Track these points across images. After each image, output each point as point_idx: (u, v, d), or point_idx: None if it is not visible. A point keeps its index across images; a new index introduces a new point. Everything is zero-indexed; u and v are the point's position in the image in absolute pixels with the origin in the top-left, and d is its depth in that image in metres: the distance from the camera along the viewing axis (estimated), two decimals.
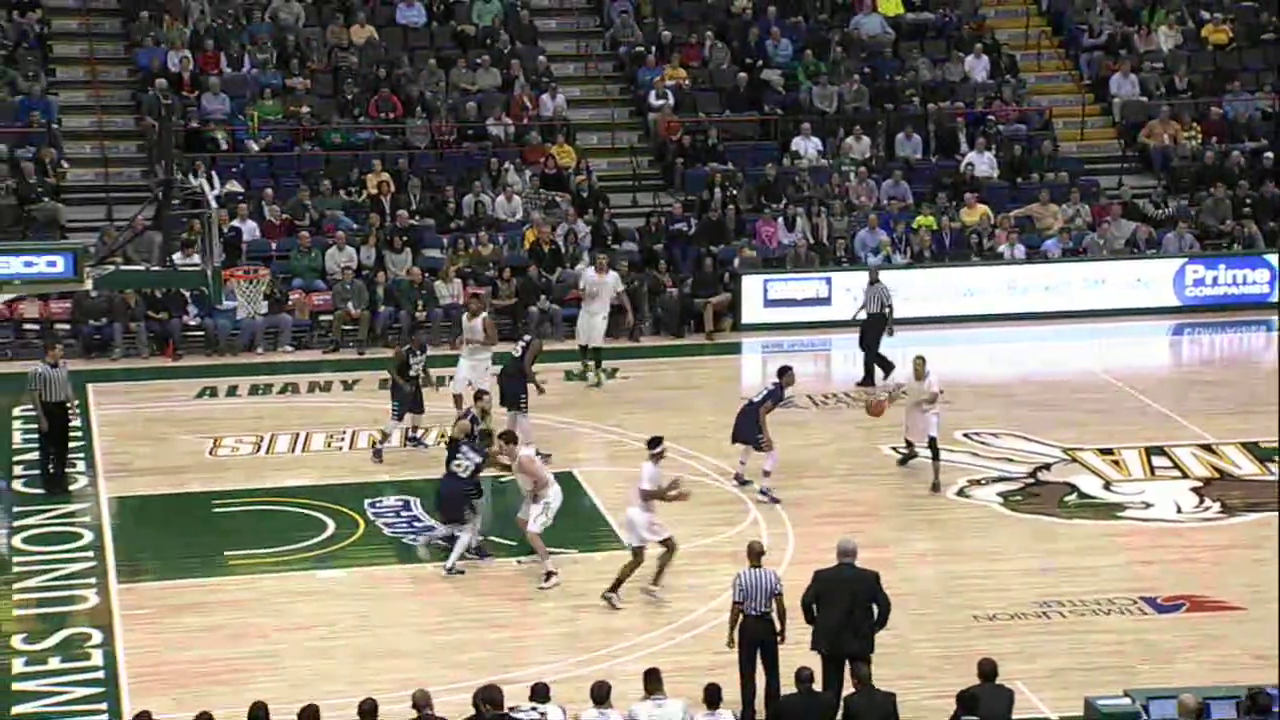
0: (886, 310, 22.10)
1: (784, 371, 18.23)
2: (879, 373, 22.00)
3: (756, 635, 13.08)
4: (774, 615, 13.09)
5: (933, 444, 18.35)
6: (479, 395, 18.20)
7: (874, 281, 22.37)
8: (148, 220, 18.53)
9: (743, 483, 18.11)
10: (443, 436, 18.48)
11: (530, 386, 19.06)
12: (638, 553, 15.28)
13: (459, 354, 20.15)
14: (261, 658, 14.41)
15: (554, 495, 15.99)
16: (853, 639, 12.79)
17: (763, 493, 17.75)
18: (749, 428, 17.98)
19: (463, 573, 15.98)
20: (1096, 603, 15.55)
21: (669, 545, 15.34)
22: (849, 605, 12.88)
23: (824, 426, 20.67)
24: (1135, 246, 26.61)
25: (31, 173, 25.13)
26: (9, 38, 27.18)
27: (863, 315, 22.29)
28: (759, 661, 13.13)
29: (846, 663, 12.60)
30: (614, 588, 15.25)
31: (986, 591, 15.80)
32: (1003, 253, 26.25)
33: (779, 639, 13.12)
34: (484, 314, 20.09)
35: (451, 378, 19.86)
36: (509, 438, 16.49)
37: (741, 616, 13.12)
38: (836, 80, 28.86)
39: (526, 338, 19.90)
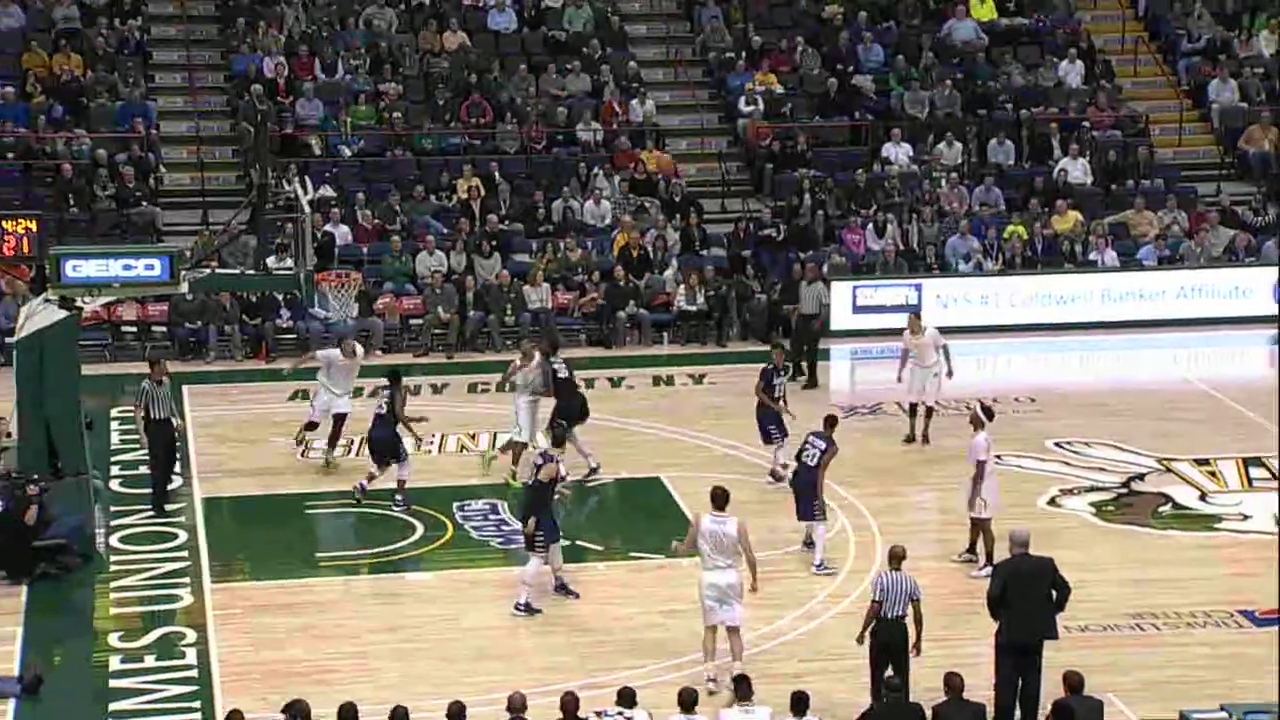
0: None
1: (831, 422, 16.66)
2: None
3: (889, 638, 13.08)
4: (909, 620, 13.07)
5: (929, 411, 19.15)
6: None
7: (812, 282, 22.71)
8: (243, 224, 18.73)
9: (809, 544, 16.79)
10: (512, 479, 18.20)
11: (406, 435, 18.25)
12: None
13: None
14: (351, 659, 14.53)
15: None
16: (1046, 625, 12.93)
17: (819, 566, 16.41)
18: (808, 498, 16.33)
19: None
20: (1192, 615, 15.32)
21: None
22: (1038, 593, 12.96)
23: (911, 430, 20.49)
24: (1233, 254, 26.19)
25: (131, 177, 25.56)
26: (111, 44, 27.65)
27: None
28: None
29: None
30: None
31: (1078, 602, 15.53)
32: (1096, 260, 25.95)
33: (914, 650, 13.10)
34: (537, 356, 18.59)
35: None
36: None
37: (876, 620, 13.10)
38: (928, 86, 28.67)
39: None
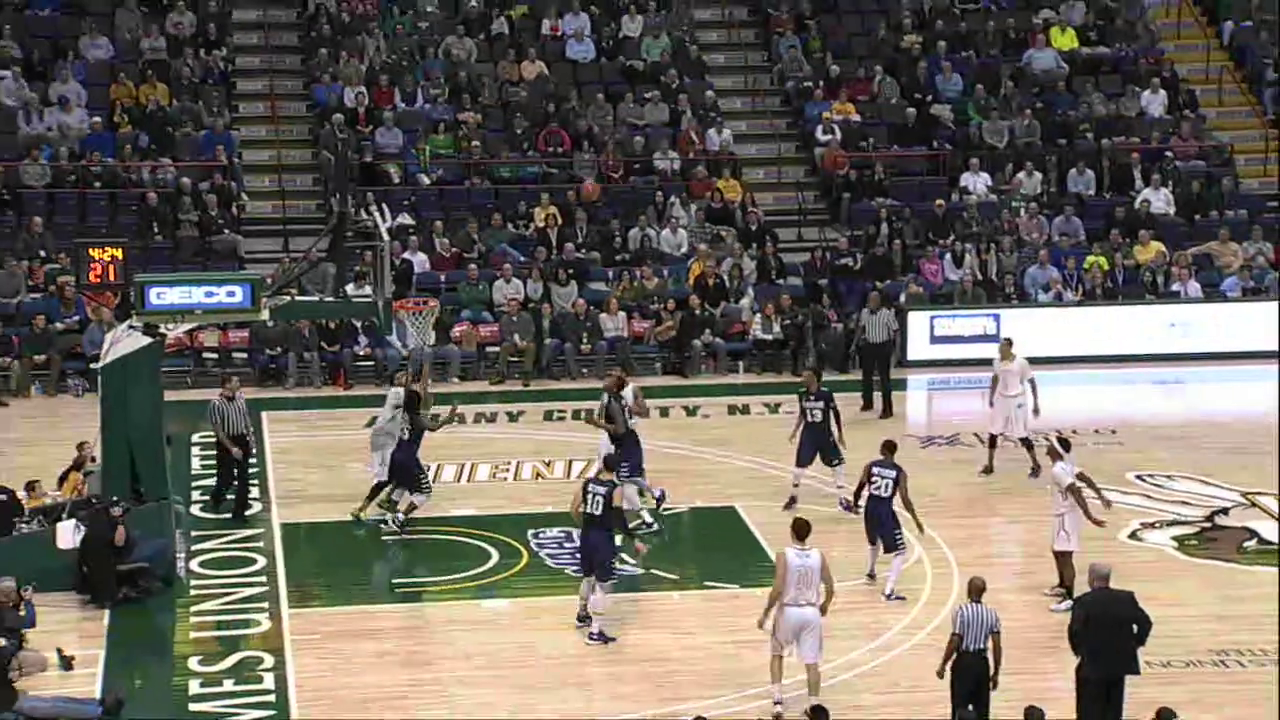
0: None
1: (891, 448, 16.48)
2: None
3: (972, 670, 12.97)
4: (989, 653, 12.96)
5: (1025, 442, 18.96)
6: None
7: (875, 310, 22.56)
8: (322, 252, 18.93)
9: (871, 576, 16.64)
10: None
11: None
12: None
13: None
14: (427, 685, 14.57)
15: None
16: (1128, 660, 12.83)
17: (889, 596, 16.26)
18: (888, 529, 16.23)
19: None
20: (1278, 652, 15.03)
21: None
22: (1120, 627, 12.86)
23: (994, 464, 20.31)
24: None
25: (213, 205, 25.91)
26: (196, 75, 28.08)
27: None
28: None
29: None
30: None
31: (1161, 637, 15.31)
32: (1178, 291, 25.64)
33: (992, 683, 12.98)
34: (630, 385, 18.32)
35: None
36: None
37: (956, 653, 12.99)
38: (1008, 115, 28.50)
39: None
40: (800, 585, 13.65)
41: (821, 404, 18.49)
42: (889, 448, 16.45)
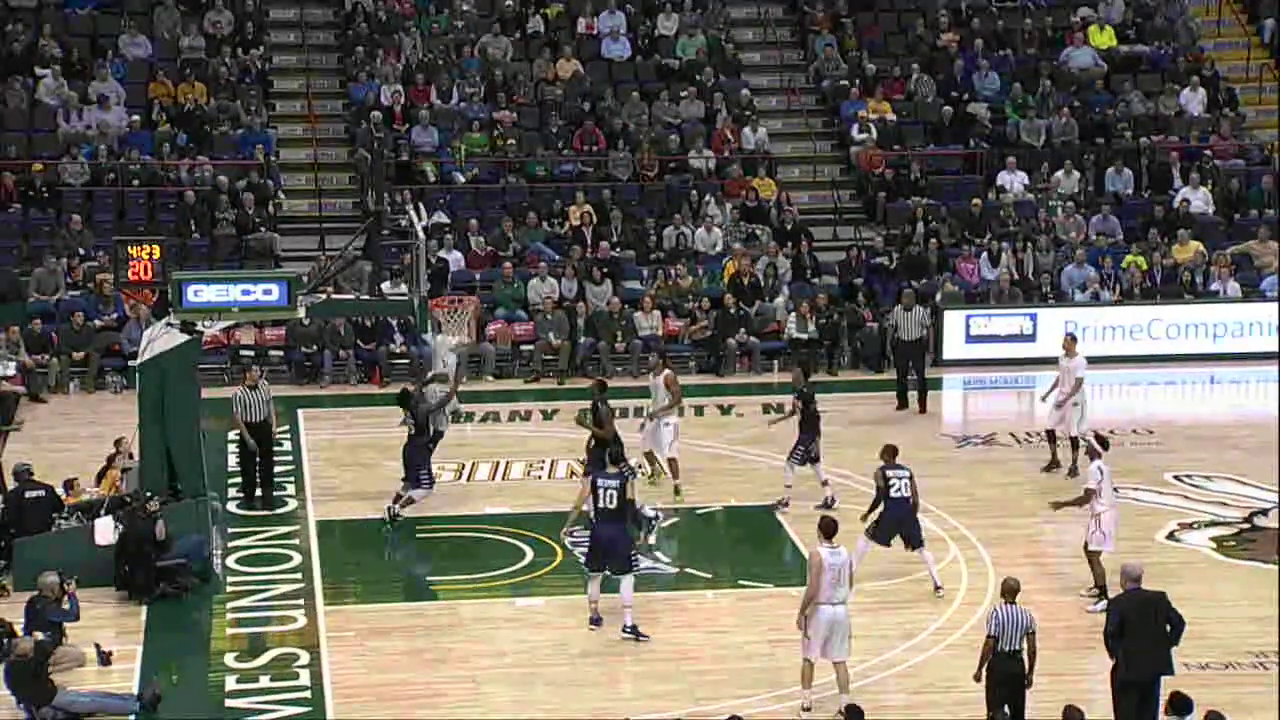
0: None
1: (894, 452, 16.44)
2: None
3: (1008, 671, 12.92)
4: (1024, 654, 12.92)
5: (1074, 441, 18.75)
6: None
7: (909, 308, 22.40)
8: (359, 250, 18.98)
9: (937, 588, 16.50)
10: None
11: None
12: None
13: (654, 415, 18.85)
14: (461, 683, 14.60)
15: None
16: (1163, 661, 12.78)
17: (938, 588, 16.26)
18: (912, 527, 16.24)
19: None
20: None
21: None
22: (1154, 628, 12.82)
23: (1026, 465, 20.23)
24: None
25: (250, 204, 26.02)
26: (233, 74, 28.22)
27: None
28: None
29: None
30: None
31: (1198, 639, 15.21)
32: (1217, 291, 25.47)
33: (1027, 682, 12.95)
34: (665, 371, 19.01)
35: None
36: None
37: (993, 654, 12.95)
38: (1045, 114, 28.36)
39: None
40: (836, 584, 13.63)
41: (802, 403, 18.47)
42: (891, 451, 16.42)
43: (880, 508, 16.27)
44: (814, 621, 13.69)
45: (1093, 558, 15.95)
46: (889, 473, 16.22)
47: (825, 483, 18.52)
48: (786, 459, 18.53)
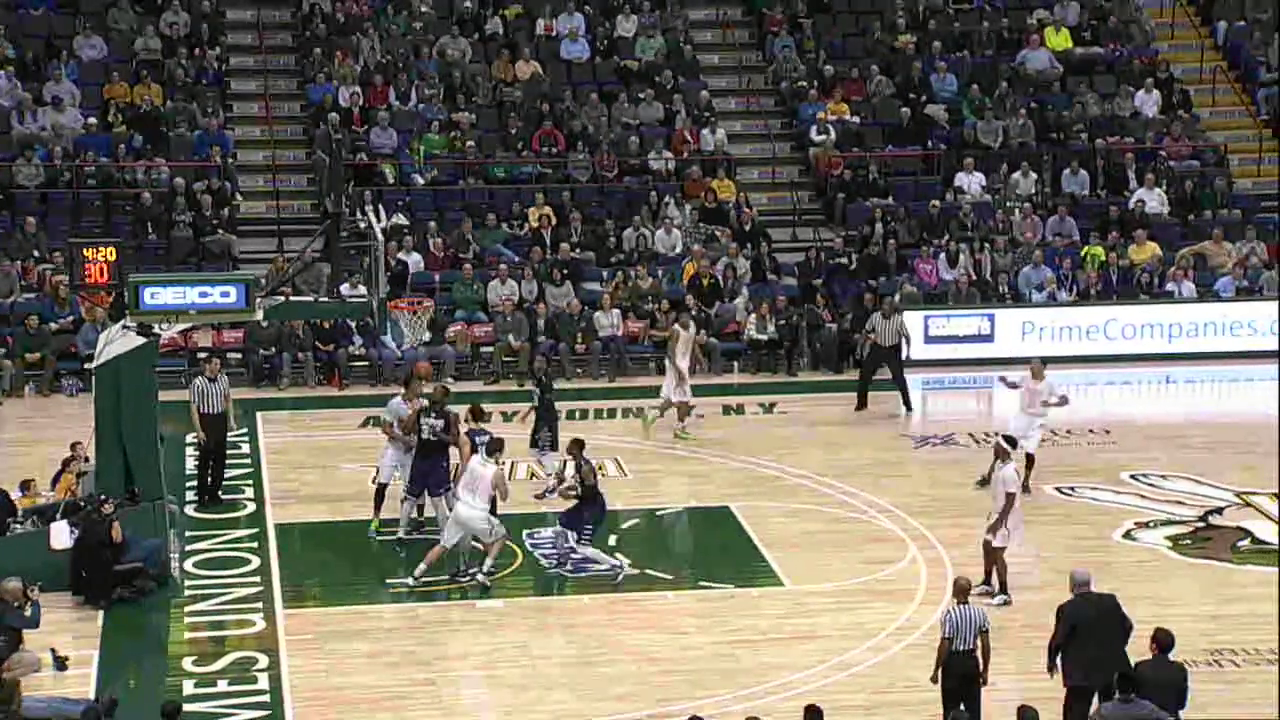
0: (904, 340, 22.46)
1: (580, 445, 17.09)
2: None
3: (962, 670, 12.96)
4: (978, 653, 12.96)
5: (1029, 459, 18.66)
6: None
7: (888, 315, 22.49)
8: (317, 252, 18.91)
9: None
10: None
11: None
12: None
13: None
14: (421, 686, 14.56)
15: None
16: (1115, 664, 12.70)
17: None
18: None
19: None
20: (1271, 652, 15.04)
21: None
22: (1108, 632, 12.83)
23: (984, 465, 20.29)
24: None
25: (208, 206, 25.88)
26: (190, 75, 28.06)
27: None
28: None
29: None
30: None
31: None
32: (1172, 291, 25.67)
33: (981, 680, 12.98)
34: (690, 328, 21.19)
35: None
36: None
37: (948, 654, 12.98)
38: (1002, 115, 28.53)
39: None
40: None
41: (539, 391, 19.05)
42: (579, 445, 16.97)
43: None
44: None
45: (994, 554, 16.02)
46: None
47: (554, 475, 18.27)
48: (534, 448, 18.92)
